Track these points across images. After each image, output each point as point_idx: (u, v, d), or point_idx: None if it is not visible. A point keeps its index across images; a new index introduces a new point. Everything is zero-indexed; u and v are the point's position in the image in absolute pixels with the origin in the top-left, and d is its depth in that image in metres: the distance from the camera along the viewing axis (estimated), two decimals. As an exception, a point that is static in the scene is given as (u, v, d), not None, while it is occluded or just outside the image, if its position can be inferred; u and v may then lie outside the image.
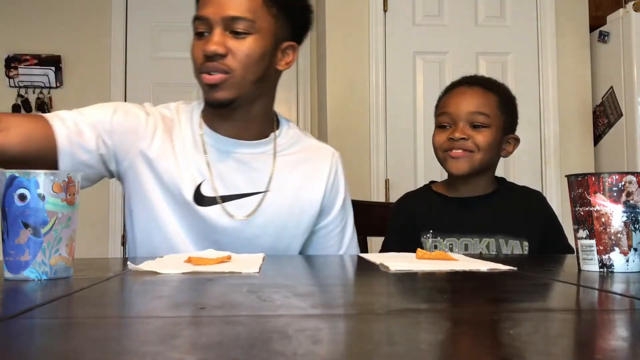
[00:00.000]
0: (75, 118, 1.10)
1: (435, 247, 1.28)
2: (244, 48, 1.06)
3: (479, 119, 1.27)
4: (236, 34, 1.06)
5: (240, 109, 1.12)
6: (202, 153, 1.14)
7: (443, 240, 1.28)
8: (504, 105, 1.31)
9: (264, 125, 1.19)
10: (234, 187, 1.14)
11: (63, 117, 1.10)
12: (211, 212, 1.12)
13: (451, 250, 1.27)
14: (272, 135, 1.19)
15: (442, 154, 1.30)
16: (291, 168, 1.19)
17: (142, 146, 1.12)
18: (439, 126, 1.32)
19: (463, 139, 1.26)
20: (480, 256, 1.22)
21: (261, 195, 1.15)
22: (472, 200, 1.33)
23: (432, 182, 1.45)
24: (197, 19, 1.08)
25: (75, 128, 1.08)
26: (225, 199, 1.13)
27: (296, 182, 1.18)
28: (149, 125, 1.14)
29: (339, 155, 1.28)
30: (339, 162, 1.26)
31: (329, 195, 1.22)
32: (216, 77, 1.06)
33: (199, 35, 1.08)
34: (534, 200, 1.37)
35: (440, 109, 1.33)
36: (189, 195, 1.12)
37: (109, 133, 1.11)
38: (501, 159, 1.37)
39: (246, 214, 1.14)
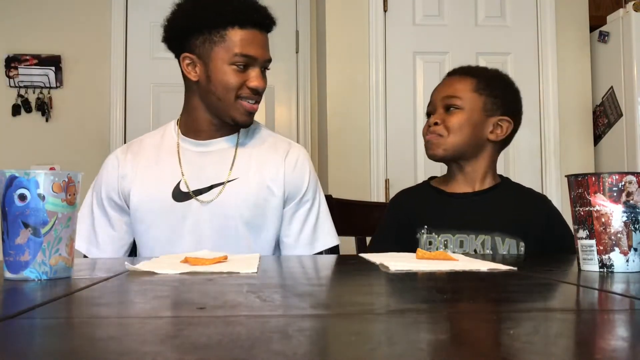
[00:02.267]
0: (96, 235, 1.34)
1: (430, 243, 1.27)
2: (266, 82, 1.31)
3: (451, 101, 1.31)
4: (264, 71, 1.30)
5: None
6: (177, 158, 1.33)
7: (438, 237, 1.27)
8: (482, 86, 1.32)
9: (232, 125, 1.35)
10: (205, 180, 1.31)
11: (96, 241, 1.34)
12: (188, 206, 1.29)
13: (446, 246, 1.26)
14: (236, 133, 1.36)
15: (424, 142, 1.36)
16: (252, 158, 1.34)
17: (126, 184, 1.33)
18: (426, 116, 1.39)
19: (436, 123, 1.31)
20: (482, 256, 1.22)
21: (225, 183, 1.31)
22: (469, 195, 1.32)
23: (432, 177, 1.43)
24: (244, 56, 1.25)
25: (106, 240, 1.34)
26: (198, 192, 1.30)
27: (258, 168, 1.33)
28: (122, 167, 1.35)
29: (299, 148, 1.41)
30: (301, 155, 1.38)
31: (290, 181, 1.34)
32: (256, 106, 1.30)
33: (238, 66, 1.26)
34: (536, 201, 1.36)
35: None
36: (168, 196, 1.31)
37: (108, 200, 1.34)
38: (504, 156, 1.37)
39: (214, 197, 1.30)
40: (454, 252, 1.25)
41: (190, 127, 1.35)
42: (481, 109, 1.31)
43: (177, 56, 1.32)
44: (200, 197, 1.29)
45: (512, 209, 1.31)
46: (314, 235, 1.35)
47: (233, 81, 1.26)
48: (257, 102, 1.30)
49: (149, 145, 1.37)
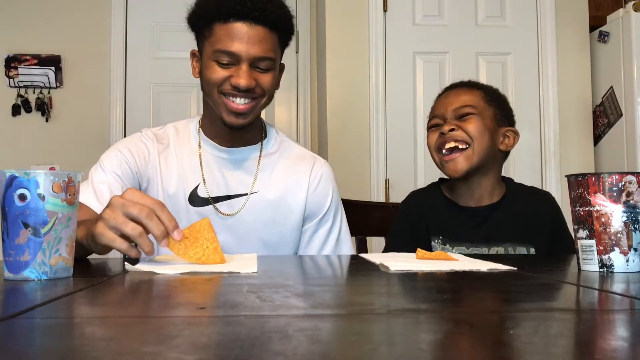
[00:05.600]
0: (105, 190, 1.19)
1: None
2: (268, 80, 1.20)
3: (465, 110, 1.29)
4: (260, 69, 1.19)
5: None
6: (198, 160, 1.28)
7: (452, 249, 1.28)
8: (490, 97, 1.33)
9: (254, 133, 1.31)
10: (225, 189, 1.27)
11: (99, 195, 1.18)
12: (204, 212, 1.24)
13: None
14: (259, 142, 1.31)
15: (438, 156, 1.31)
16: (275, 171, 1.30)
17: (150, 169, 1.27)
18: (431, 128, 1.35)
19: (452, 129, 1.27)
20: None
21: (247, 195, 1.27)
22: (481, 210, 1.32)
23: (441, 179, 1.42)
24: (224, 52, 1.16)
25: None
26: (217, 199, 1.26)
27: (280, 183, 1.29)
28: (151, 150, 1.28)
29: (324, 164, 1.36)
30: (325, 171, 1.35)
31: (312, 199, 1.30)
32: (245, 106, 1.19)
33: (221, 64, 1.18)
34: (540, 203, 1.36)
35: (430, 114, 1.37)
36: (185, 199, 1.26)
37: (132, 173, 1.24)
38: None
39: (234, 211, 1.26)
40: None
41: (209, 129, 1.29)
42: (493, 118, 1.31)
43: None
44: (217, 205, 1.25)
45: (520, 218, 1.31)
46: (335, 253, 1.32)
47: (214, 76, 1.18)
48: (246, 102, 1.19)
49: (172, 139, 1.30)
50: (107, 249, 0.90)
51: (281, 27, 1.21)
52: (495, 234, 1.29)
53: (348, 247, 1.35)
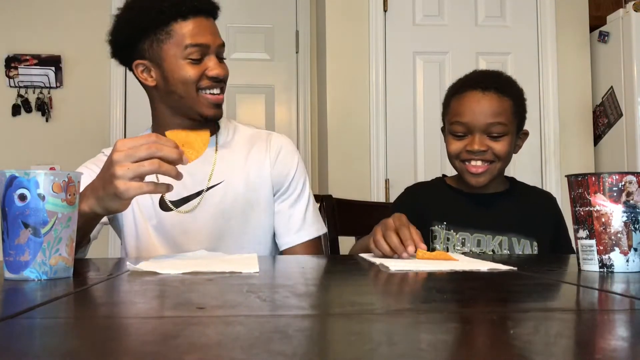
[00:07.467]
0: None
1: (448, 239, 1.28)
2: (227, 69, 1.26)
3: (496, 129, 1.24)
4: (220, 59, 1.25)
5: None
6: None
7: (456, 234, 1.28)
8: (517, 108, 1.29)
9: (207, 127, 1.28)
10: (191, 187, 1.26)
11: None
12: (171, 217, 1.24)
13: (463, 244, 1.27)
14: (214, 135, 1.31)
15: (459, 164, 1.28)
16: (234, 158, 1.30)
17: None
18: (453, 134, 1.28)
19: (482, 151, 1.24)
20: (492, 256, 1.23)
21: (205, 191, 1.26)
22: (486, 197, 1.32)
23: (444, 175, 1.44)
24: (196, 45, 1.20)
25: None
26: (176, 203, 1.25)
27: (242, 170, 1.29)
28: None
29: (281, 137, 1.36)
30: (283, 142, 1.34)
31: (276, 172, 1.30)
32: (221, 97, 1.24)
33: (195, 60, 1.20)
34: (544, 201, 1.38)
35: (454, 117, 1.28)
36: (153, 206, 1.25)
37: None
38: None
39: (191, 208, 1.25)
40: (470, 251, 1.26)
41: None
42: (516, 130, 1.30)
43: (130, 67, 1.26)
44: (183, 208, 1.24)
45: (525, 211, 1.32)
46: (304, 223, 1.30)
47: (191, 74, 1.20)
48: (222, 92, 1.24)
49: None
50: (127, 203, 0.94)
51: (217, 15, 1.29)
52: (500, 222, 1.28)
53: (317, 214, 1.34)
